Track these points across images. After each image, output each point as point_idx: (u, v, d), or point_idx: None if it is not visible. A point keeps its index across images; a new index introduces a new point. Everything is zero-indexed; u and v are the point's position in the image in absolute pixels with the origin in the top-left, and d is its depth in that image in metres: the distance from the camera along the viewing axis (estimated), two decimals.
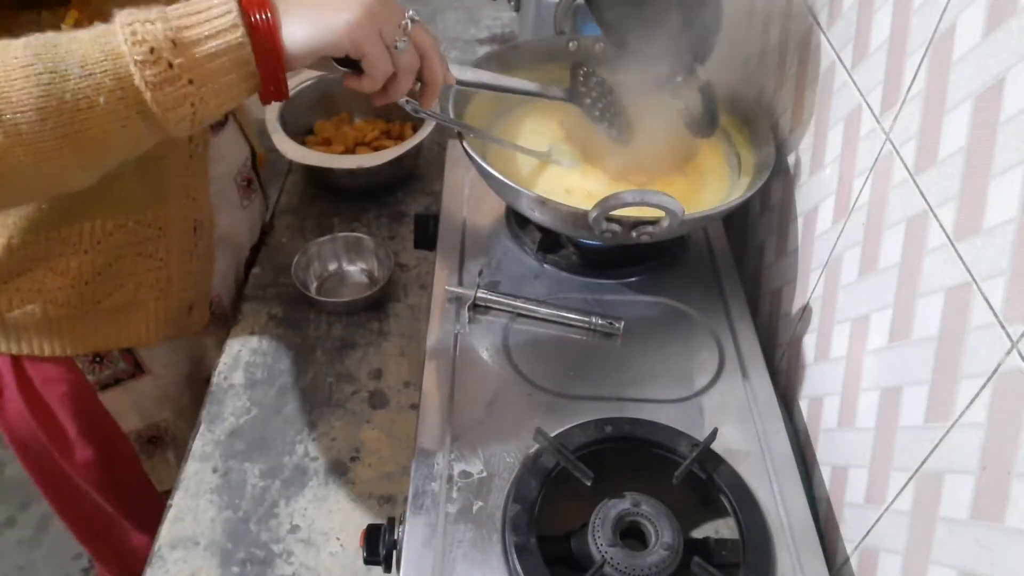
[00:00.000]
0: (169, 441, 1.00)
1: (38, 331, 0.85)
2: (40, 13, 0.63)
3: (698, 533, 0.66)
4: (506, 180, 0.75)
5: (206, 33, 0.52)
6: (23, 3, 0.62)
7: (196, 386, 1.00)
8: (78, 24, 0.65)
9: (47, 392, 0.90)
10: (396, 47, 0.60)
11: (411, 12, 0.61)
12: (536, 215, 0.78)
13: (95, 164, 0.55)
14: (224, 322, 1.02)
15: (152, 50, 0.51)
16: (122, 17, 0.52)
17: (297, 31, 0.55)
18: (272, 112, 1.14)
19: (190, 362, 0.99)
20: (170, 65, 0.51)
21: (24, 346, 0.85)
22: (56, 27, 0.62)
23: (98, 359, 0.91)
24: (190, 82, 0.52)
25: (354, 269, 1.07)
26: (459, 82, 0.74)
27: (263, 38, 0.54)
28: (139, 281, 0.87)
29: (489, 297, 0.79)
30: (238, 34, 0.53)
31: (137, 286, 0.87)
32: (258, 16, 0.54)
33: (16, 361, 0.88)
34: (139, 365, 0.94)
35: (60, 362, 0.88)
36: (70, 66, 0.50)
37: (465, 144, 0.79)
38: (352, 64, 0.61)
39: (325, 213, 1.14)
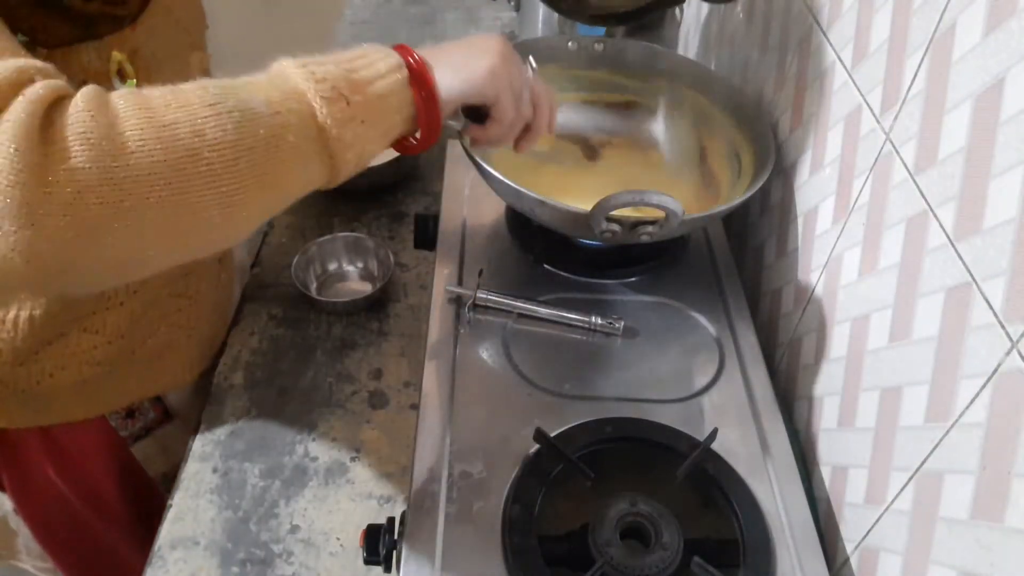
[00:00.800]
0: None
1: (72, 396, 0.81)
2: (89, 59, 0.63)
3: (698, 533, 0.66)
4: (506, 180, 0.75)
5: (374, 75, 0.53)
6: (65, 38, 0.62)
7: None
8: (123, 68, 0.66)
9: (80, 455, 0.88)
10: (522, 96, 0.63)
11: (532, 61, 0.64)
12: (536, 215, 0.78)
13: (267, 209, 0.52)
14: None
15: (333, 87, 0.50)
16: (290, 61, 0.51)
17: (445, 77, 0.57)
18: None
19: (208, 396, 0.98)
20: (348, 103, 0.51)
21: (56, 415, 0.82)
22: (103, 72, 0.64)
23: (130, 414, 0.89)
24: (362, 122, 0.52)
25: (354, 269, 1.07)
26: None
27: (421, 81, 0.55)
28: (172, 322, 0.85)
29: (489, 297, 0.79)
30: (402, 75, 0.54)
31: (170, 327, 0.85)
32: (413, 60, 0.55)
33: (45, 431, 0.84)
34: (167, 412, 0.93)
35: (93, 423, 0.86)
36: (257, 104, 0.48)
37: (465, 144, 0.79)
38: (475, 113, 0.64)
39: (325, 213, 1.14)
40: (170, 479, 0.97)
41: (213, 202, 0.46)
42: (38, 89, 0.43)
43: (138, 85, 0.66)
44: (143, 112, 0.44)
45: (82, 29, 0.63)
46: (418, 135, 0.59)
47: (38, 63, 0.45)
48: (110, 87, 0.62)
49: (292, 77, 0.50)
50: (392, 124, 0.55)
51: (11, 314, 0.72)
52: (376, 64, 0.53)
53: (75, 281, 0.47)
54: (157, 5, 0.69)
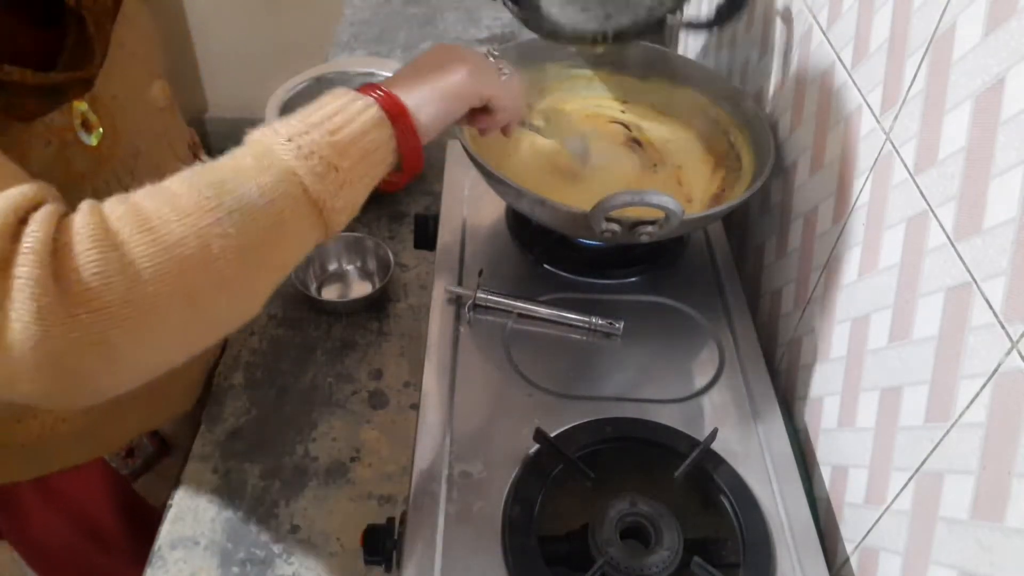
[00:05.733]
0: None
1: (73, 444, 0.79)
2: (51, 118, 0.61)
3: (698, 533, 0.66)
4: (506, 180, 0.75)
5: (357, 131, 0.52)
6: (35, 112, 0.59)
7: None
8: (86, 119, 0.63)
9: (81, 498, 0.88)
10: (503, 76, 0.64)
11: (491, 51, 0.67)
12: (536, 215, 0.78)
13: (274, 284, 0.53)
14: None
15: (321, 159, 0.50)
16: (269, 136, 0.50)
17: (423, 107, 0.56)
18: (272, 114, 1.14)
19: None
20: (338, 171, 0.50)
21: (58, 463, 0.81)
22: (67, 127, 0.62)
23: (129, 453, 0.89)
24: (353, 185, 0.52)
25: (354, 269, 1.07)
26: None
27: (401, 123, 0.55)
28: None
29: (489, 297, 0.79)
30: (385, 127, 0.54)
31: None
32: (387, 101, 0.54)
33: (40, 482, 0.83)
34: (164, 443, 0.94)
35: (93, 466, 0.85)
36: (251, 196, 0.47)
37: (465, 144, 0.79)
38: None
39: None
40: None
41: (225, 302, 0.48)
42: (32, 228, 0.43)
43: (104, 133, 0.65)
44: (147, 235, 0.44)
45: (52, 99, 0.59)
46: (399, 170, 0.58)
47: (24, 188, 0.45)
48: (76, 142, 0.63)
49: (279, 156, 0.49)
50: (378, 174, 0.55)
51: None
52: (356, 119, 0.53)
53: (104, 396, 0.49)
54: (112, 48, 0.65)
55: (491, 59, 0.66)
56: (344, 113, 0.52)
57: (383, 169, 0.55)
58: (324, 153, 0.50)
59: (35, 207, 0.44)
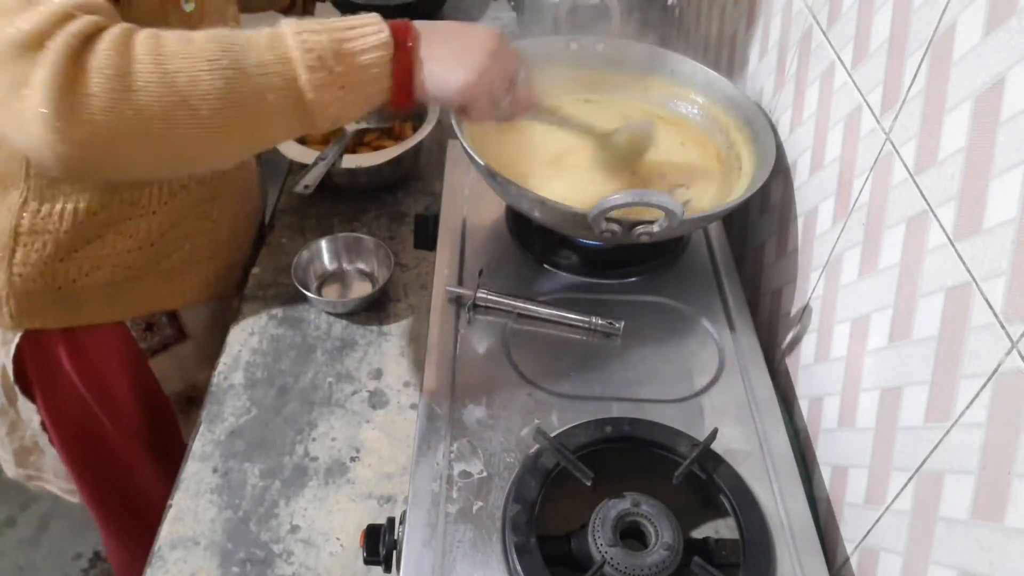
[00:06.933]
0: (203, 399, 1.03)
1: (101, 298, 0.89)
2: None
3: (698, 533, 0.66)
4: (506, 180, 0.75)
5: (360, 47, 0.59)
6: None
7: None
8: (199, 9, 0.77)
9: (103, 361, 0.95)
10: (498, 101, 0.68)
11: (523, 72, 0.70)
12: (536, 215, 0.78)
13: (248, 148, 0.63)
14: (245, 282, 1.06)
15: (319, 57, 0.57)
16: (291, 26, 0.58)
17: (427, 74, 0.62)
18: None
19: (222, 322, 1.03)
20: (331, 72, 0.58)
21: (85, 315, 0.89)
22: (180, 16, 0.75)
23: (149, 327, 0.97)
24: (342, 88, 0.59)
25: (354, 269, 1.07)
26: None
27: (401, 54, 0.61)
28: (195, 242, 0.93)
29: (489, 297, 0.79)
30: (388, 54, 0.60)
31: (193, 247, 0.94)
32: (402, 36, 0.61)
33: (71, 335, 0.91)
34: (182, 330, 1.01)
35: (116, 331, 0.93)
36: (248, 65, 0.56)
37: (465, 144, 0.79)
38: None
39: (325, 213, 1.14)
40: (183, 400, 1.06)
41: (196, 139, 0.57)
42: (77, 23, 0.54)
43: (196, 5, 0.77)
44: (155, 58, 0.54)
45: None
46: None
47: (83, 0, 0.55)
48: (177, 4, 0.75)
49: (286, 42, 0.57)
50: (370, 93, 0.61)
51: (58, 206, 0.81)
52: (368, 37, 0.59)
53: (98, 175, 0.63)
54: None
55: (517, 74, 0.69)
56: (358, 29, 0.59)
57: (374, 89, 0.61)
58: (323, 53, 0.57)
59: (88, 12, 0.55)
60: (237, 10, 0.90)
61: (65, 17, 0.54)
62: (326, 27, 0.59)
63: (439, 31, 0.64)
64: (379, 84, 0.61)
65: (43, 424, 1.01)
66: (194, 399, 1.05)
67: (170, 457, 1.05)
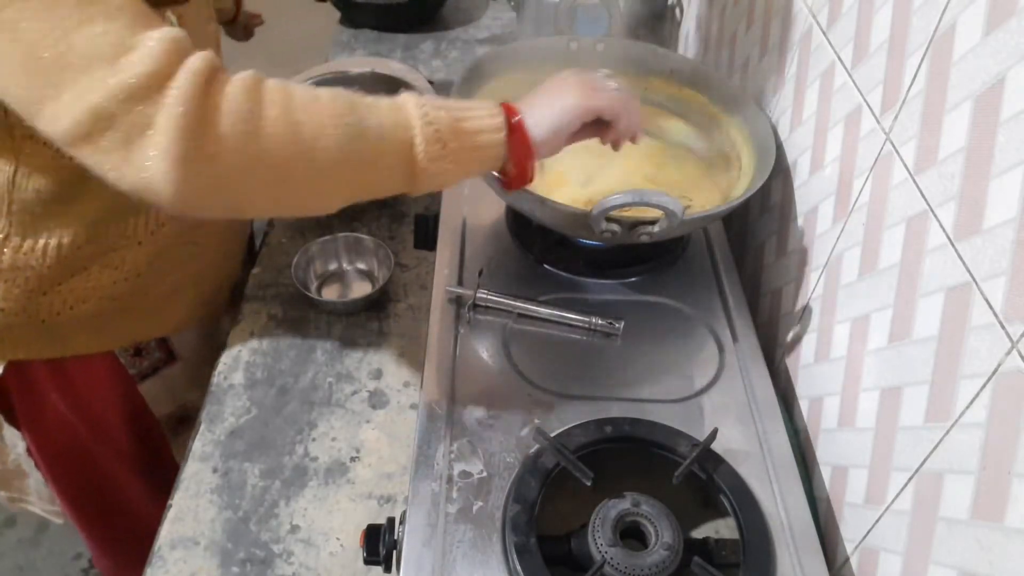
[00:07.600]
0: (195, 419, 1.03)
1: (87, 329, 0.87)
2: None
3: (698, 533, 0.66)
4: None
5: (477, 128, 0.63)
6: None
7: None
8: (181, 20, 0.76)
9: (90, 389, 0.93)
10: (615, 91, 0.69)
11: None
12: (536, 215, 0.78)
13: (350, 200, 0.63)
14: (235, 300, 1.05)
15: (437, 131, 0.60)
16: (414, 98, 0.62)
17: (540, 123, 0.65)
18: None
19: (212, 343, 1.02)
20: (445, 146, 0.61)
21: (71, 347, 0.87)
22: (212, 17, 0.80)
23: (137, 352, 0.96)
24: (452, 162, 0.62)
25: (354, 269, 1.07)
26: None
27: (516, 136, 0.65)
28: (182, 269, 0.91)
29: (489, 297, 0.79)
30: (502, 135, 0.64)
31: (179, 273, 0.92)
32: (514, 119, 0.65)
33: (57, 364, 0.89)
34: (172, 353, 1.00)
35: (103, 359, 0.92)
36: (370, 126, 0.59)
37: None
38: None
39: None
40: (173, 421, 1.05)
41: (309, 188, 0.60)
42: (197, 62, 0.54)
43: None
44: (285, 106, 0.56)
45: None
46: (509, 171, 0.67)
47: (179, 32, 0.55)
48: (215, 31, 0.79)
49: (409, 111, 0.60)
50: (476, 169, 0.66)
51: (41, 241, 0.79)
52: (482, 119, 0.63)
53: (211, 213, 0.61)
54: None
55: (603, 78, 0.72)
56: (476, 111, 0.63)
57: (484, 166, 0.65)
58: (442, 127, 0.61)
59: (183, 44, 0.55)
60: (217, 27, 0.89)
61: (176, 55, 0.54)
62: (446, 105, 0.62)
63: (532, 96, 0.68)
64: (488, 162, 0.65)
65: (28, 450, 0.99)
66: (185, 419, 1.04)
67: (160, 478, 1.04)
